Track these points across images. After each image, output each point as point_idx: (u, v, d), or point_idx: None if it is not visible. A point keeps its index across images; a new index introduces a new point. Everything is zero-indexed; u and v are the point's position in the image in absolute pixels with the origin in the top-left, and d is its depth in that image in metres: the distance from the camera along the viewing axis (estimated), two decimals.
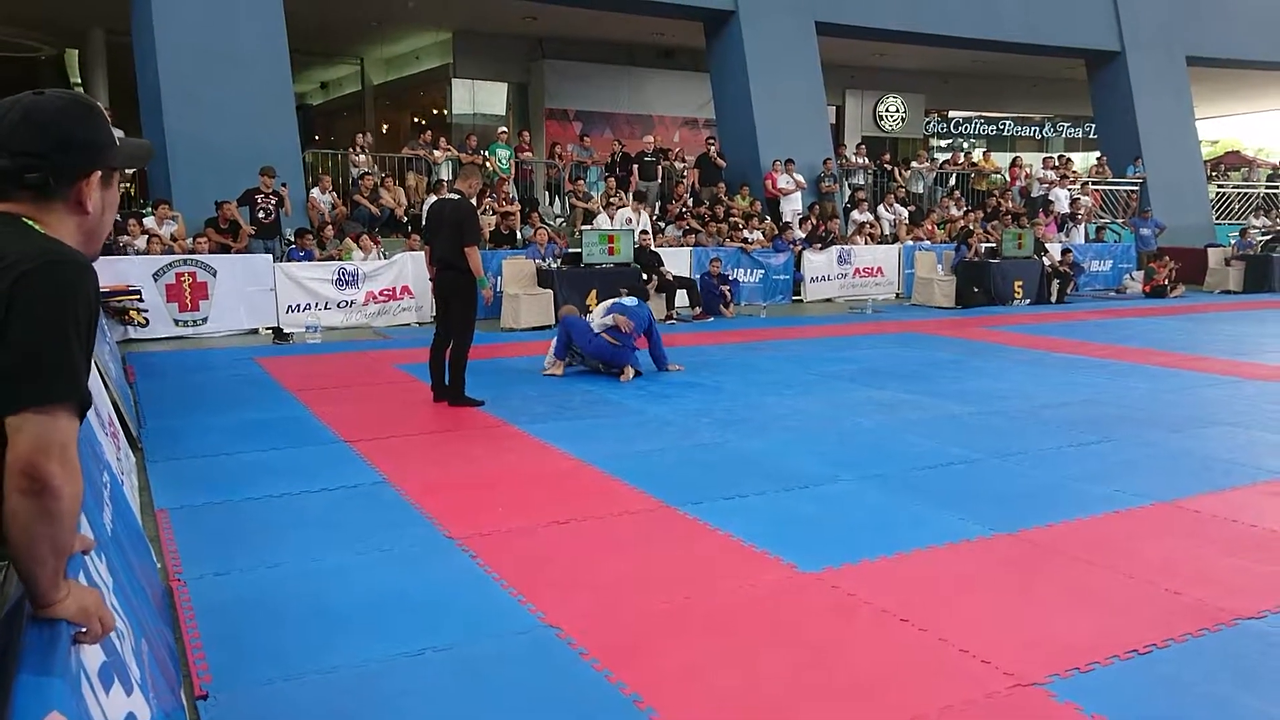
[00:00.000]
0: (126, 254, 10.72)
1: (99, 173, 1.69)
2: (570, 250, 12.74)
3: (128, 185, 14.48)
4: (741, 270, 14.40)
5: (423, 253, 10.98)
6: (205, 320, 10.77)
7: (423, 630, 3.19)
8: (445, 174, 14.99)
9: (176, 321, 10.61)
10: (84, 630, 1.60)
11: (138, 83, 13.33)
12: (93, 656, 1.66)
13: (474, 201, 7.41)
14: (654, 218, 15.43)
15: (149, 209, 12.17)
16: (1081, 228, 18.79)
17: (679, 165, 17.14)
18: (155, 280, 10.46)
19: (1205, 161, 24.47)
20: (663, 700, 2.76)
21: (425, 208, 11.54)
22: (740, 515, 4.41)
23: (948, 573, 3.77)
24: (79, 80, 21.05)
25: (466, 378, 6.89)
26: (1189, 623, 3.27)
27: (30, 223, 1.60)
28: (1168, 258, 17.25)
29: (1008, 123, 28.96)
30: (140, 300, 10.24)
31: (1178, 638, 3.16)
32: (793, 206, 16.49)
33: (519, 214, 14.35)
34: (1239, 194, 23.69)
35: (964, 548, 4.02)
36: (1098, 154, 22.44)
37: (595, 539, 4.13)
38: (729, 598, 3.51)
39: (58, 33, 19.10)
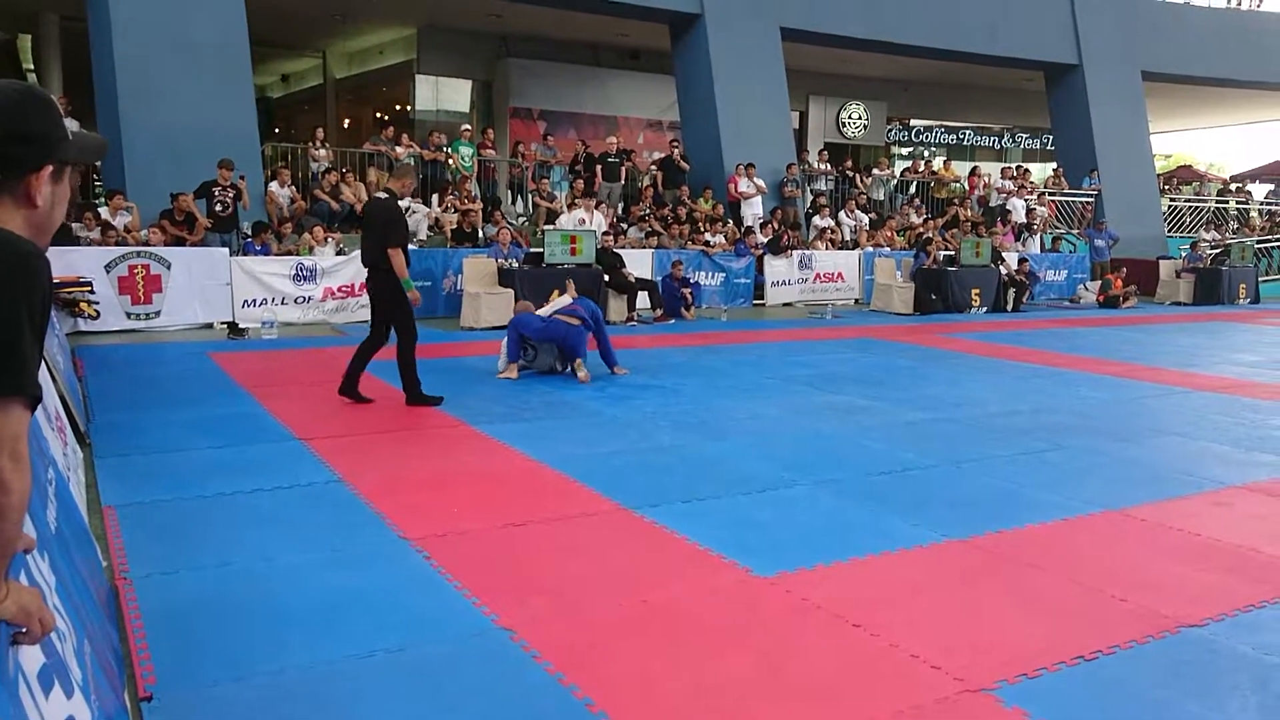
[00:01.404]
0: (79, 244, 10.51)
1: (50, 166, 1.65)
2: (532, 250, 12.69)
3: (80, 176, 14.19)
4: (703, 273, 14.44)
5: None
6: (158, 314, 10.58)
7: (374, 632, 3.16)
8: None
9: (129, 314, 10.42)
10: (24, 631, 1.57)
11: (93, 70, 13.08)
12: (32, 658, 1.62)
13: (405, 202, 7.28)
14: (616, 219, 15.43)
15: (103, 199, 11.95)
16: (1038, 237, 19.09)
17: (643, 170, 17.15)
18: (107, 272, 10.26)
19: (1158, 175, 24.95)
20: (616, 704, 2.76)
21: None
22: (697, 518, 4.42)
23: (901, 578, 3.80)
24: (31, 66, 20.62)
25: (419, 377, 6.80)
26: (1134, 629, 3.33)
27: None
28: (1125, 270, 17.59)
29: (967, 132, 29.30)
30: (91, 292, 10.04)
31: (1123, 644, 3.22)
32: (753, 211, 16.56)
33: (481, 212, 14.27)
34: (1190, 208, 24.18)
35: (917, 553, 4.07)
36: (1054, 165, 22.81)
37: (551, 541, 4.12)
38: (684, 601, 3.51)
39: (10, 17, 18.67)
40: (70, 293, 9.80)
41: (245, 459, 5.29)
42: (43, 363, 4.84)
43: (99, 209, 11.42)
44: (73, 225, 10.69)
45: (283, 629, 3.18)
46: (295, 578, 3.62)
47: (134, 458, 5.22)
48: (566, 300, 7.96)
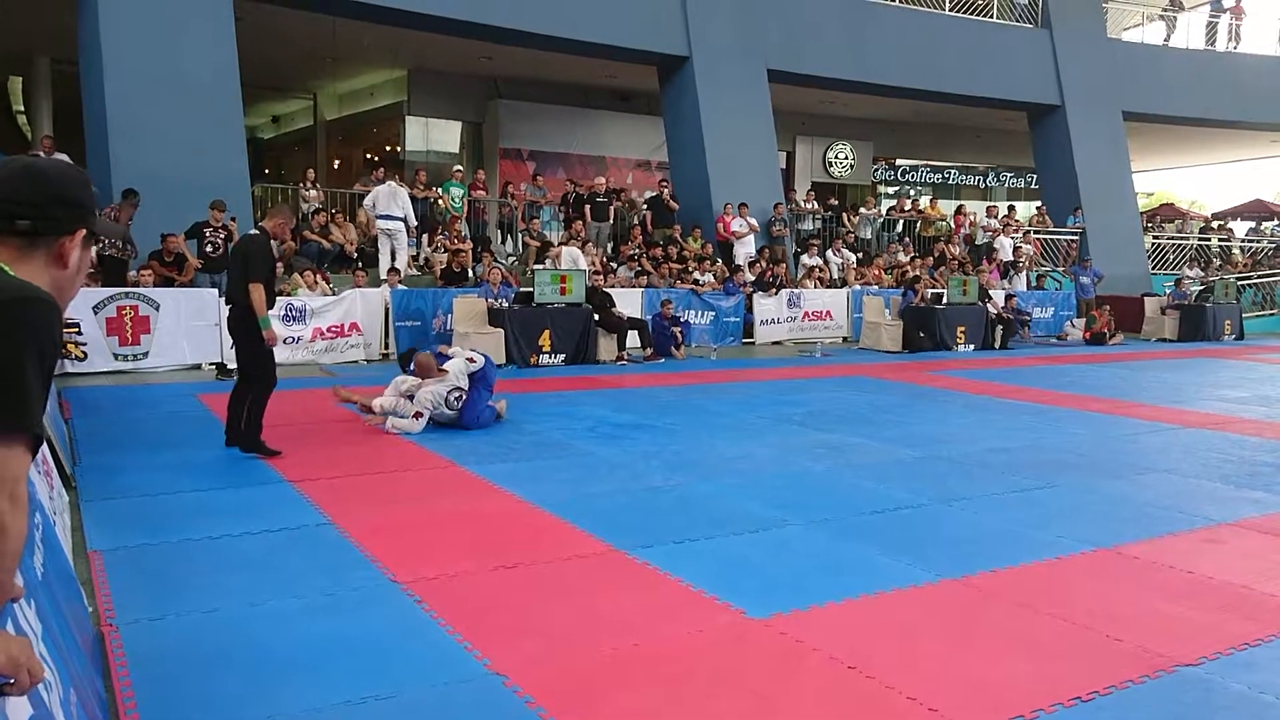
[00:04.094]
0: None
1: (83, 232, 1.76)
2: (522, 289, 12.73)
3: None
4: (693, 312, 14.50)
5: (354, 289, 10.88)
6: (146, 355, 10.53)
7: (365, 678, 3.11)
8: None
9: (116, 356, 10.36)
10: (11, 682, 1.54)
11: (84, 112, 13.13)
12: (19, 710, 1.60)
13: (280, 242, 6.68)
14: (605, 258, 15.51)
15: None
16: (1023, 275, 19.25)
17: (632, 208, 17.28)
18: (95, 313, 10.21)
19: (1141, 213, 25.24)
20: None
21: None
22: (690, 560, 4.39)
23: (895, 619, 3.78)
24: (22, 108, 20.70)
25: (241, 425, 6.41)
26: (1130, 669, 3.32)
27: (4, 267, 1.62)
28: (1107, 306, 17.73)
29: (953, 171, 29.64)
30: (78, 333, 9.99)
31: (1119, 684, 3.20)
32: (745, 250, 16.67)
33: (471, 252, 14.32)
34: (1174, 245, 24.45)
35: (911, 593, 4.05)
36: (1038, 203, 23.06)
37: (543, 583, 4.09)
38: (678, 644, 3.48)
39: (0, 59, 18.78)
40: None
41: (233, 502, 5.24)
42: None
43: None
44: None
45: (271, 676, 3.13)
46: (283, 623, 3.58)
47: (121, 501, 5.17)
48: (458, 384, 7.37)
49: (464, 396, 7.39)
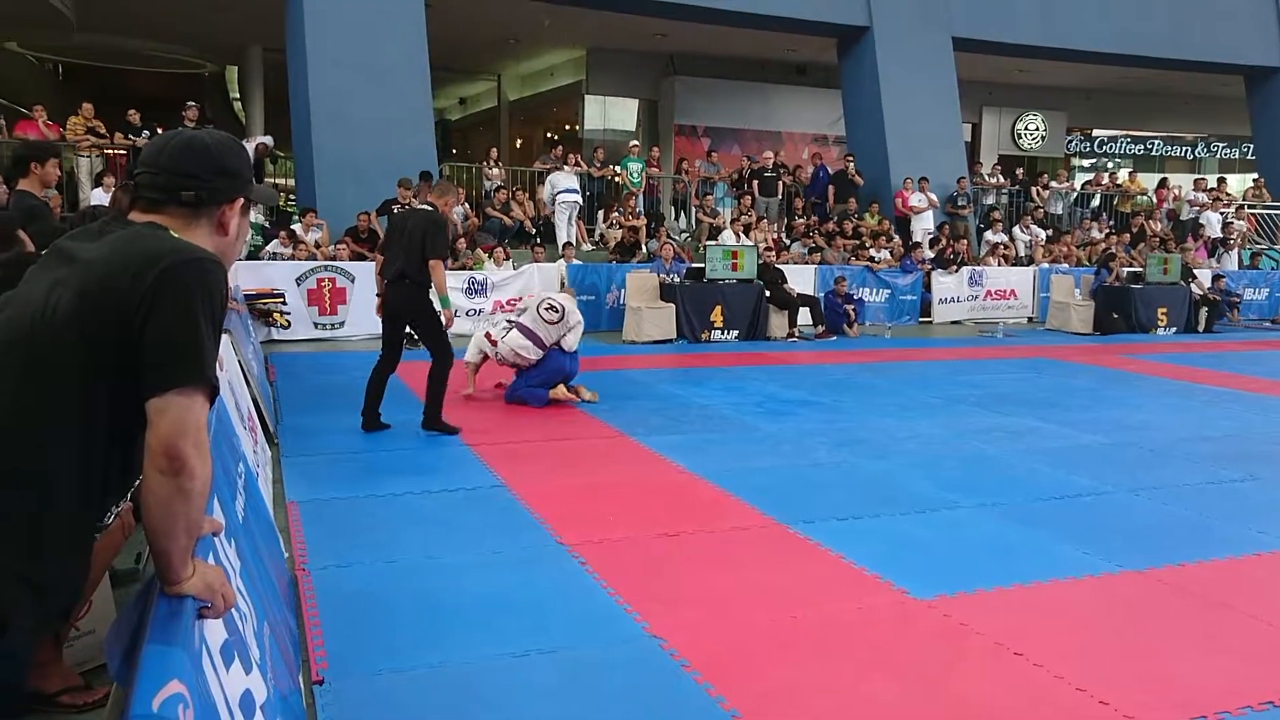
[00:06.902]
0: (276, 260, 11.34)
1: (241, 200, 1.90)
2: (694, 265, 12.79)
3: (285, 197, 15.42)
4: (867, 289, 14.17)
5: (532, 263, 10.99)
6: (343, 324, 11.25)
7: (529, 632, 3.25)
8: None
9: (316, 324, 11.13)
10: (208, 606, 1.71)
11: (290, 97, 14.05)
12: (215, 633, 1.77)
13: (448, 219, 6.51)
14: (777, 235, 15.36)
15: (296, 216, 12.83)
16: (1234, 254, 17.77)
17: (806, 183, 17.00)
18: (298, 285, 11.00)
19: None
20: (763, 718, 2.74)
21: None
22: (853, 537, 4.34)
23: (1068, 608, 3.62)
24: (238, 95, 22.34)
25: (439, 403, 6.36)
26: None
27: (172, 232, 1.77)
28: None
29: (1156, 142, 27.61)
30: (283, 303, 10.79)
31: None
32: (924, 225, 16.14)
33: (645, 228, 14.50)
34: None
35: (1087, 583, 3.86)
36: (1255, 175, 21.18)
37: (704, 553, 4.13)
38: (836, 619, 3.46)
39: (219, 50, 20.31)
40: (265, 303, 10.57)
41: (416, 462, 5.55)
42: (238, 367, 5.24)
43: (293, 226, 12.24)
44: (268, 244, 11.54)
45: (443, 624, 3.32)
46: (456, 576, 3.78)
47: (316, 458, 5.57)
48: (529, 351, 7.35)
49: (556, 308, 7.37)
